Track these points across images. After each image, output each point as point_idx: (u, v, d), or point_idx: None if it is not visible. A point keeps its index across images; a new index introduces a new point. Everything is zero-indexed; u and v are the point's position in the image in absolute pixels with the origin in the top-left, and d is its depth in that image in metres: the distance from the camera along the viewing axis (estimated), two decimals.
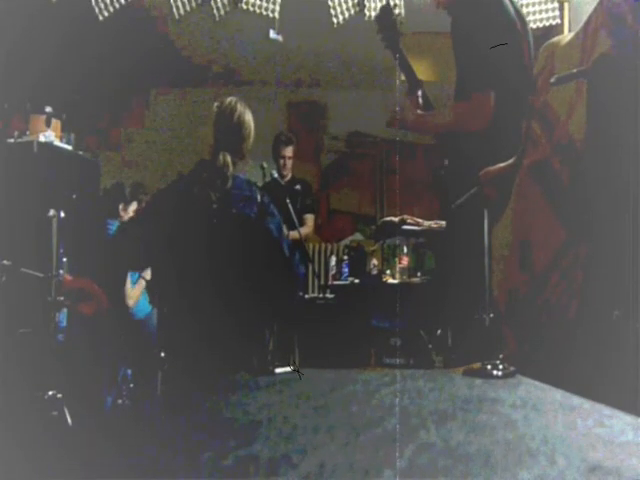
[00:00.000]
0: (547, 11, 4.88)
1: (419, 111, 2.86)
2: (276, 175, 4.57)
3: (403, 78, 2.94)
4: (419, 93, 2.88)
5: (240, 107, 2.91)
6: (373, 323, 4.22)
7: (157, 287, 2.90)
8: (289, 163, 5.01)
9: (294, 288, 3.19)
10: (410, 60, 2.94)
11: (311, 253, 6.47)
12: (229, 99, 2.93)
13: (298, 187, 4.80)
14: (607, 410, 1.43)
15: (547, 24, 4.79)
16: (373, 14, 2.95)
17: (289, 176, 5.00)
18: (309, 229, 5.02)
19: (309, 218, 4.98)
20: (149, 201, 3.58)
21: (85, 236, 3.93)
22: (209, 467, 1.05)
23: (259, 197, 2.83)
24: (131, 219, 4.02)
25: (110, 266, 3.48)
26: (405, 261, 4.61)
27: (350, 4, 4.93)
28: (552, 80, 2.11)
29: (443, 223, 3.12)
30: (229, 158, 2.81)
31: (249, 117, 2.91)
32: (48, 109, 3.13)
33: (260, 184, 4.07)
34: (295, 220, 4.32)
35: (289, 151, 5.04)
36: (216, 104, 2.93)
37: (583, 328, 2.00)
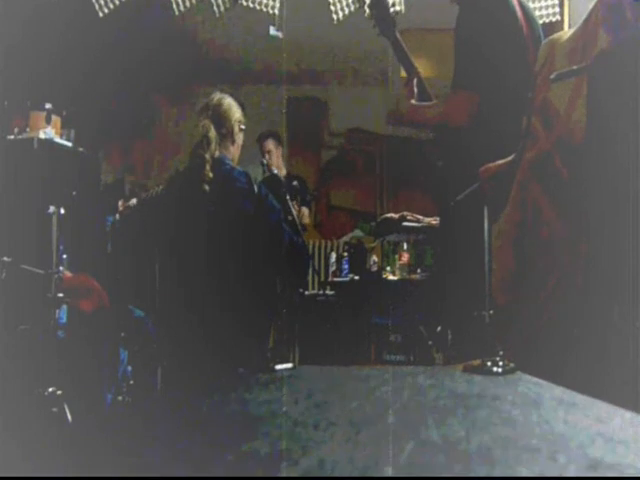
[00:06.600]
0: (547, 8, 4.88)
1: (413, 101, 2.84)
2: (276, 171, 4.56)
3: (403, 74, 2.92)
4: (414, 82, 2.86)
5: (219, 95, 2.99)
6: (373, 320, 4.23)
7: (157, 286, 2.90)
8: (271, 156, 4.93)
9: (304, 270, 3.21)
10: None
11: (311, 250, 6.47)
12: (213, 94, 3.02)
13: (295, 183, 4.79)
14: (607, 407, 1.43)
15: (547, 20, 4.79)
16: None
17: (282, 171, 4.94)
18: (306, 220, 5.05)
19: (305, 211, 5.00)
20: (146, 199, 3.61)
21: (85, 233, 3.93)
22: (209, 463, 1.05)
23: (256, 189, 2.84)
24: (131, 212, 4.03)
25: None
26: (405, 258, 4.61)
27: (350, 0, 4.92)
28: (552, 76, 2.11)
29: None
30: (209, 124, 2.86)
31: (228, 100, 2.97)
32: (48, 106, 3.12)
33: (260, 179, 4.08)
34: (296, 218, 4.31)
35: (269, 144, 4.98)
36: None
37: (583, 325, 2.00)
